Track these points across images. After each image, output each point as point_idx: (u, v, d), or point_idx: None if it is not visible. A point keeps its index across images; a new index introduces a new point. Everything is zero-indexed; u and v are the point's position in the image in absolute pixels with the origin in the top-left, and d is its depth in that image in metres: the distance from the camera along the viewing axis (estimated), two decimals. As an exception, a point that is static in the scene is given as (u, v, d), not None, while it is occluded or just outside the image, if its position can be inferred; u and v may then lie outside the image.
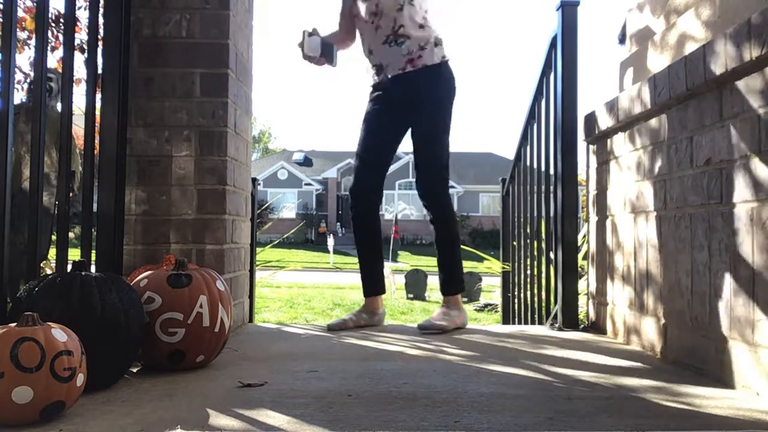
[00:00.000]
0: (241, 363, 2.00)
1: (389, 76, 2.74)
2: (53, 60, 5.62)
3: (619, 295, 2.48)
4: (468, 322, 2.81)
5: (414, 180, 2.80)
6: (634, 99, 2.26)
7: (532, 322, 3.39)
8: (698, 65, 1.81)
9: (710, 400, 1.58)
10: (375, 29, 2.72)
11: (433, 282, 6.60)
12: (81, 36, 4.27)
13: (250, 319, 3.12)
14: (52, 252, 3.00)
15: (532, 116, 3.34)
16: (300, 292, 10.41)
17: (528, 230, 3.63)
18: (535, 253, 3.42)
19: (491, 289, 9.83)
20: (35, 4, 3.23)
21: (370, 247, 2.88)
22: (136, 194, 2.39)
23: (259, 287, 7.99)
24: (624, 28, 3.24)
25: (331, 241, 24.70)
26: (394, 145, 2.85)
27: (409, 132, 2.81)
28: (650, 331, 2.18)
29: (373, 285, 2.87)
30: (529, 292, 3.56)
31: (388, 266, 11.99)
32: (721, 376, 1.74)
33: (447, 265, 2.80)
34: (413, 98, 2.71)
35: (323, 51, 2.74)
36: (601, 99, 2.61)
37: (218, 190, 2.40)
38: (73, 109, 2.16)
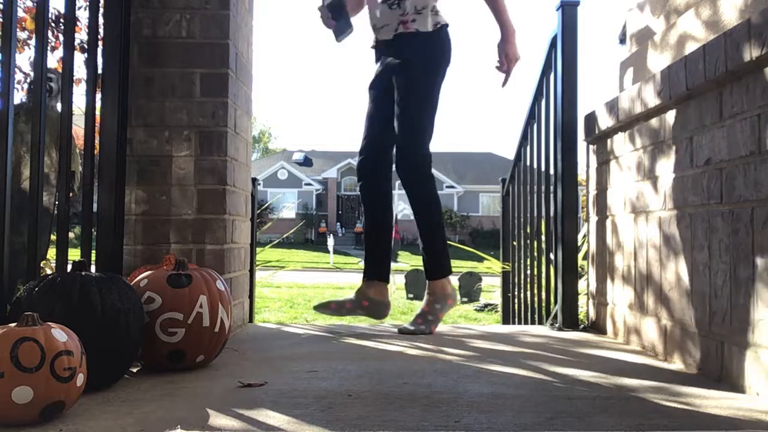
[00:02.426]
0: (241, 363, 2.00)
1: (380, 39, 2.67)
2: (53, 60, 5.62)
3: (619, 295, 2.48)
4: (456, 301, 2.73)
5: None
6: (634, 99, 2.26)
7: (532, 322, 3.39)
8: (698, 65, 1.81)
9: (710, 400, 1.58)
10: None
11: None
12: (81, 36, 4.27)
13: (250, 319, 3.12)
14: (52, 252, 3.00)
15: (532, 116, 3.34)
16: (300, 292, 10.41)
17: (528, 230, 3.63)
18: (535, 253, 3.43)
19: (491, 289, 9.83)
20: (35, 4, 3.23)
21: (378, 220, 2.73)
22: (136, 194, 2.39)
23: (259, 287, 7.99)
24: (624, 28, 3.23)
25: (331, 241, 24.73)
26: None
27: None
28: (650, 331, 2.18)
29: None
30: (529, 292, 3.56)
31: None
32: (721, 376, 1.74)
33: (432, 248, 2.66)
34: (397, 64, 2.62)
35: (337, 13, 2.64)
36: (601, 99, 2.61)
37: (218, 190, 2.40)
38: (73, 109, 2.16)
